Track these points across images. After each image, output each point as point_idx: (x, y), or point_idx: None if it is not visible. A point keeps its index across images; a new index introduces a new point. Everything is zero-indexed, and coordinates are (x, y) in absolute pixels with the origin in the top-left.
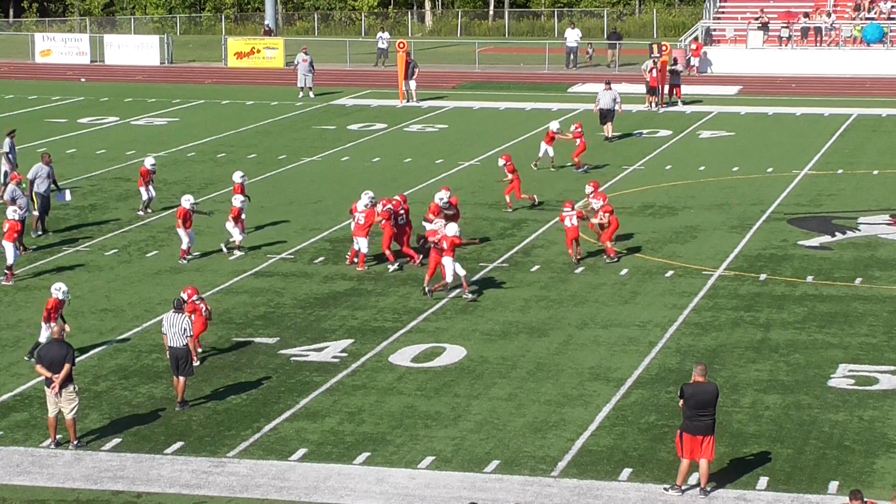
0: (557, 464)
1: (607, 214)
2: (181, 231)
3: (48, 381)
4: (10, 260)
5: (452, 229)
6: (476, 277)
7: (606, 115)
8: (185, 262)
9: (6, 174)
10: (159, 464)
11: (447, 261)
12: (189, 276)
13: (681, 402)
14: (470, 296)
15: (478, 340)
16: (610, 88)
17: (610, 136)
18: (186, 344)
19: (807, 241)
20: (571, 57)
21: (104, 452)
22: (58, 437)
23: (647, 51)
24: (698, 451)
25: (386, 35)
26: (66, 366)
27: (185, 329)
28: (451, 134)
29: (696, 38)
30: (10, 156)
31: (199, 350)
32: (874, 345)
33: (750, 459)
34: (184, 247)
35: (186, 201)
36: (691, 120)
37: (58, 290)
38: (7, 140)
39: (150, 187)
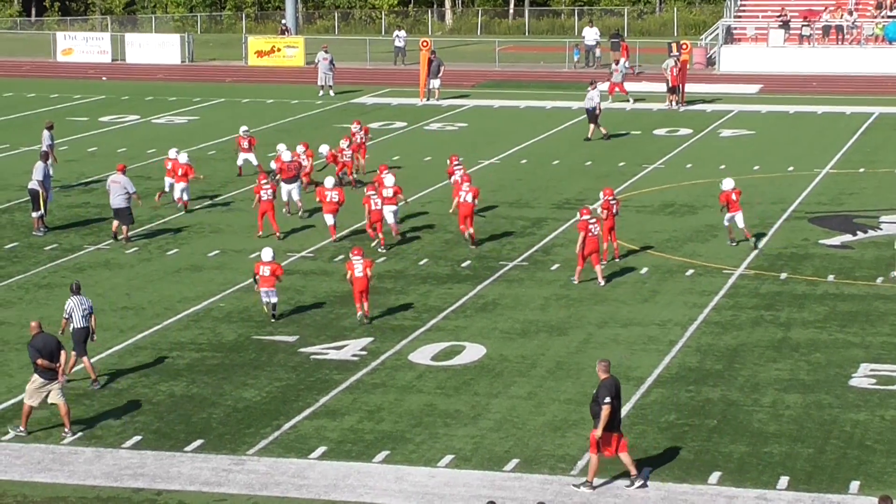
0: (577, 462)
1: (606, 210)
2: (170, 179)
3: (43, 373)
4: (176, 194)
5: None
6: (496, 276)
7: (591, 115)
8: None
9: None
10: (179, 461)
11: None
12: (209, 274)
13: (609, 401)
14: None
15: (497, 339)
16: (594, 88)
17: (605, 133)
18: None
19: (828, 239)
20: (590, 55)
21: (124, 450)
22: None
23: (665, 49)
24: (614, 446)
25: (402, 33)
26: (64, 353)
27: (91, 307)
28: (470, 132)
29: (622, 38)
30: (50, 146)
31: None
32: None
33: (770, 459)
34: (167, 190)
35: (174, 152)
36: (712, 118)
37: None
38: (46, 133)
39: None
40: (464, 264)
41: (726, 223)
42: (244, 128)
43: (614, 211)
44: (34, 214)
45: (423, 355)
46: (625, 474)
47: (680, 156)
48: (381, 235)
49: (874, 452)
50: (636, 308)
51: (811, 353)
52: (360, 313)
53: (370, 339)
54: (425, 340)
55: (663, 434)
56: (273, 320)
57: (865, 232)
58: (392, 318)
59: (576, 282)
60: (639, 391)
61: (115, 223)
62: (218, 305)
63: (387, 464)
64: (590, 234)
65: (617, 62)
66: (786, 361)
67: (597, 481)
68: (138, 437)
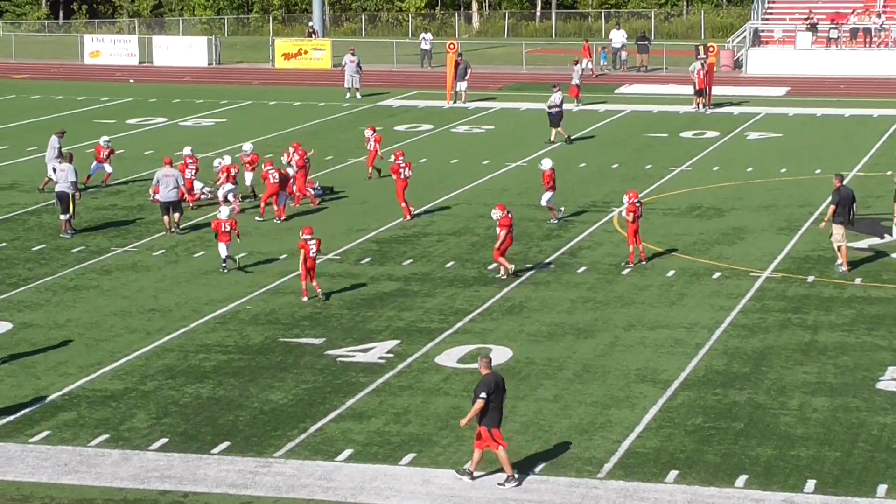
0: (603, 465)
1: (632, 214)
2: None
3: None
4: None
5: None
6: (522, 279)
7: (553, 118)
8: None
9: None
10: (206, 464)
11: None
12: (236, 276)
13: (485, 396)
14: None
15: (524, 342)
16: (557, 90)
17: (567, 137)
18: None
19: (855, 242)
20: (617, 58)
21: (151, 452)
22: None
23: (692, 52)
24: (491, 441)
25: (429, 36)
26: None
27: None
28: (497, 135)
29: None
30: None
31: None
32: None
33: (797, 462)
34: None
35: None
36: (739, 121)
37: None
38: (54, 138)
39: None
40: (490, 266)
41: (545, 203)
42: (104, 138)
43: (639, 213)
44: (62, 217)
45: (449, 358)
46: (499, 470)
47: (707, 158)
48: (276, 207)
49: None
50: (663, 311)
51: (838, 356)
52: (319, 292)
53: (397, 341)
54: (452, 343)
55: (690, 437)
56: (224, 272)
57: (892, 235)
58: (418, 320)
59: (503, 277)
60: (665, 394)
61: (166, 218)
62: (245, 308)
63: (413, 466)
64: (510, 231)
65: (576, 62)
66: (813, 364)
67: (623, 483)
68: (165, 440)
